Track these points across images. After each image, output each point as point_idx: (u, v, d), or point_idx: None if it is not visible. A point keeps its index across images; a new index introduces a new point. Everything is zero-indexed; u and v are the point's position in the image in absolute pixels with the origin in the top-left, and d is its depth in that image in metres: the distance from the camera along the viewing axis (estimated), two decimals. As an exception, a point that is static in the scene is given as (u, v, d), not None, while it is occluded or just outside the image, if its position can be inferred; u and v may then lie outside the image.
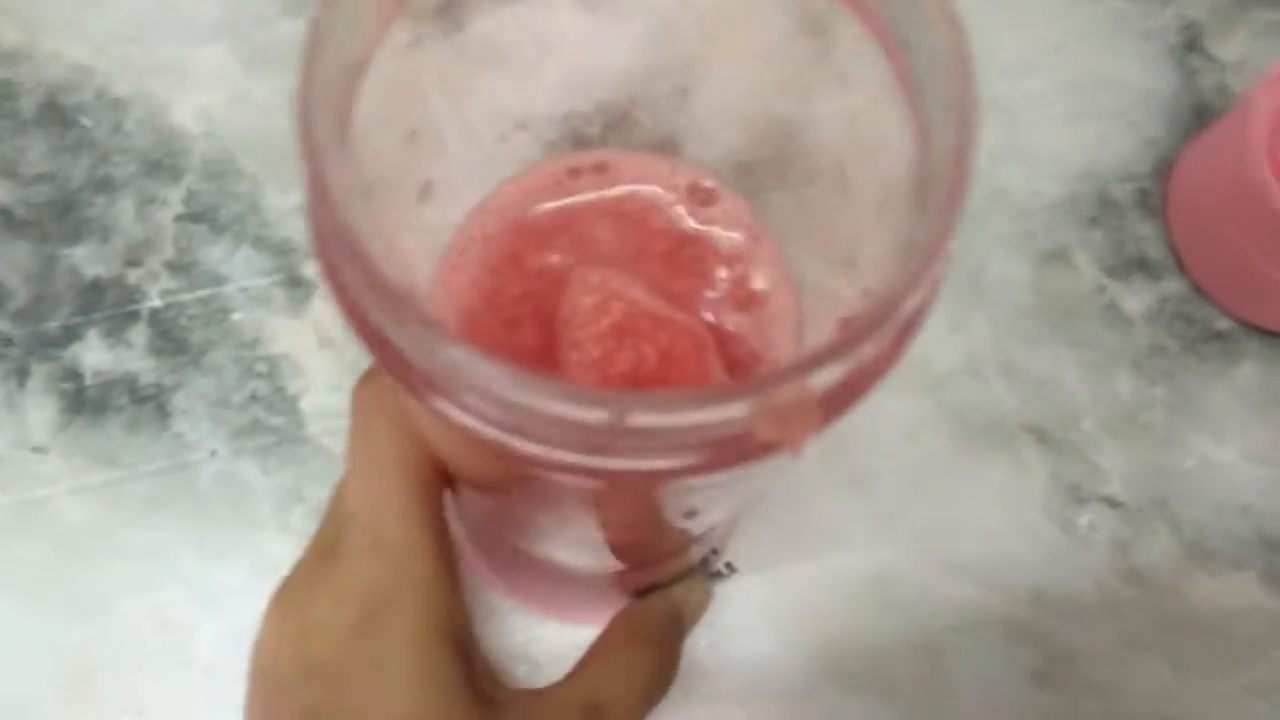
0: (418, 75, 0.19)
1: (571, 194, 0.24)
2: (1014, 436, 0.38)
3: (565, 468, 0.15)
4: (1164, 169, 0.41)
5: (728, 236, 0.23)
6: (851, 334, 0.12)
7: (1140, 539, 0.37)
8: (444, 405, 0.15)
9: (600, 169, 0.24)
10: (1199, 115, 0.42)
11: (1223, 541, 0.37)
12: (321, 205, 0.14)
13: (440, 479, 0.22)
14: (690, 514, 0.23)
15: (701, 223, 0.23)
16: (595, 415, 0.13)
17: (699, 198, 0.23)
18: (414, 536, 0.21)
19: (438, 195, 0.22)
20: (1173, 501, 0.38)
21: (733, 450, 0.15)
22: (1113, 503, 0.38)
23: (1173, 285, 0.40)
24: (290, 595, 0.22)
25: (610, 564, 0.28)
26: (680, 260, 0.23)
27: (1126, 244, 0.40)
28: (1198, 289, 0.40)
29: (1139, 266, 0.40)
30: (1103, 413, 0.38)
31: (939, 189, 0.13)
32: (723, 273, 0.23)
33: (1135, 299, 0.40)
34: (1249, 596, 0.37)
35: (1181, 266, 0.40)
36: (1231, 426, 0.39)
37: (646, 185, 0.24)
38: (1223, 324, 0.40)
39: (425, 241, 0.23)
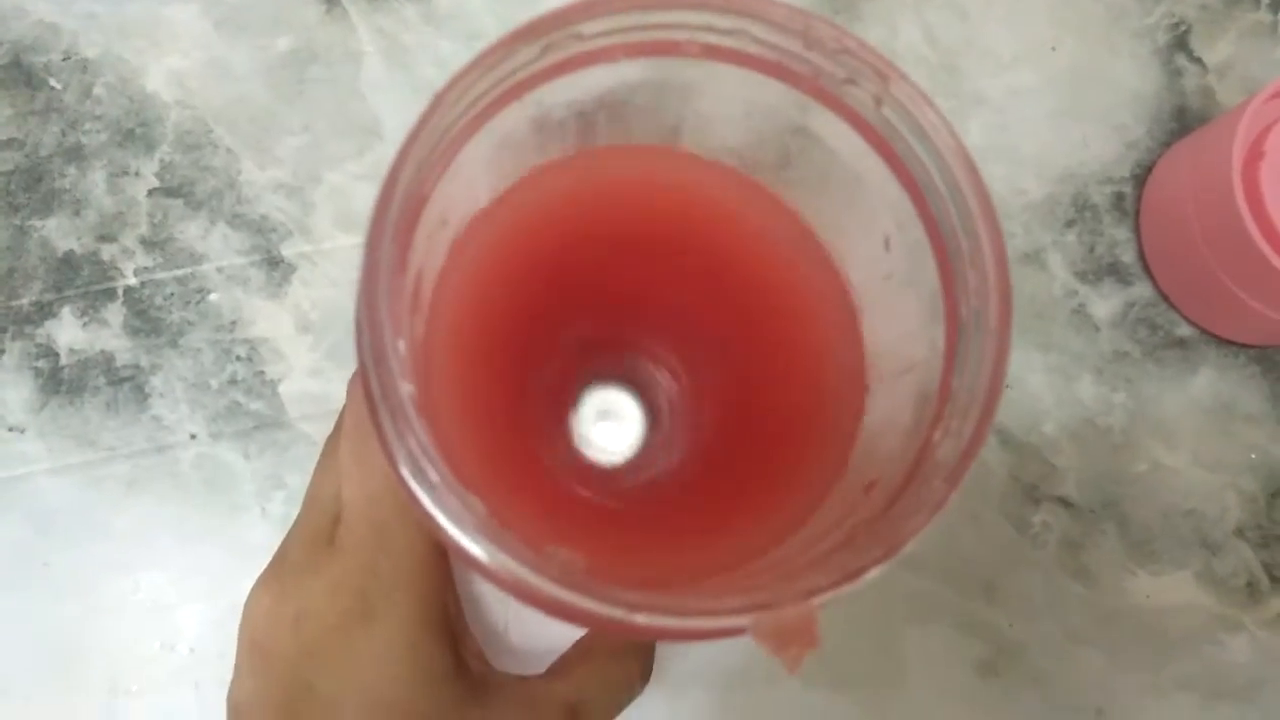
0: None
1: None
2: (977, 437, 0.39)
3: (557, 609, 0.16)
4: (1142, 173, 0.42)
5: None
6: (860, 566, 0.13)
7: (1089, 538, 0.39)
8: (466, 558, 0.16)
9: None
10: (1180, 118, 0.42)
11: (1166, 543, 0.39)
12: (379, 372, 0.14)
13: None
14: None
15: None
16: (609, 611, 0.13)
17: None
18: (413, 531, 0.22)
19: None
20: (1123, 503, 0.39)
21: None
22: (1066, 503, 0.39)
23: (1140, 290, 0.41)
24: (285, 581, 0.23)
25: None
26: None
27: (1099, 247, 0.41)
28: (1163, 295, 0.41)
29: (1110, 271, 0.41)
30: (1064, 416, 0.40)
31: (967, 418, 0.13)
32: None
33: (1104, 303, 0.41)
34: (1185, 595, 0.39)
35: (1149, 272, 0.41)
36: (1184, 432, 0.40)
37: None
38: (1184, 331, 0.41)
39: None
